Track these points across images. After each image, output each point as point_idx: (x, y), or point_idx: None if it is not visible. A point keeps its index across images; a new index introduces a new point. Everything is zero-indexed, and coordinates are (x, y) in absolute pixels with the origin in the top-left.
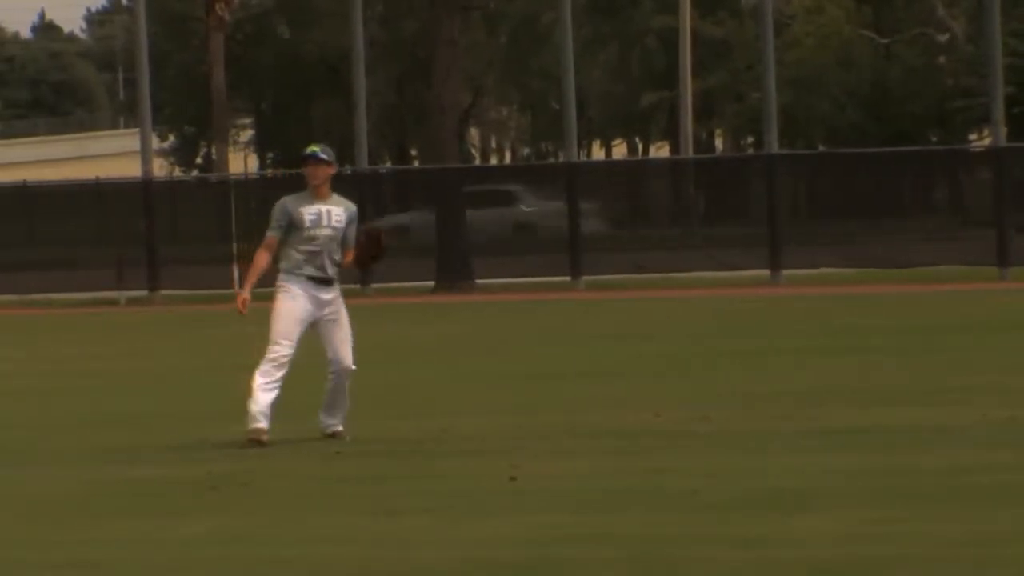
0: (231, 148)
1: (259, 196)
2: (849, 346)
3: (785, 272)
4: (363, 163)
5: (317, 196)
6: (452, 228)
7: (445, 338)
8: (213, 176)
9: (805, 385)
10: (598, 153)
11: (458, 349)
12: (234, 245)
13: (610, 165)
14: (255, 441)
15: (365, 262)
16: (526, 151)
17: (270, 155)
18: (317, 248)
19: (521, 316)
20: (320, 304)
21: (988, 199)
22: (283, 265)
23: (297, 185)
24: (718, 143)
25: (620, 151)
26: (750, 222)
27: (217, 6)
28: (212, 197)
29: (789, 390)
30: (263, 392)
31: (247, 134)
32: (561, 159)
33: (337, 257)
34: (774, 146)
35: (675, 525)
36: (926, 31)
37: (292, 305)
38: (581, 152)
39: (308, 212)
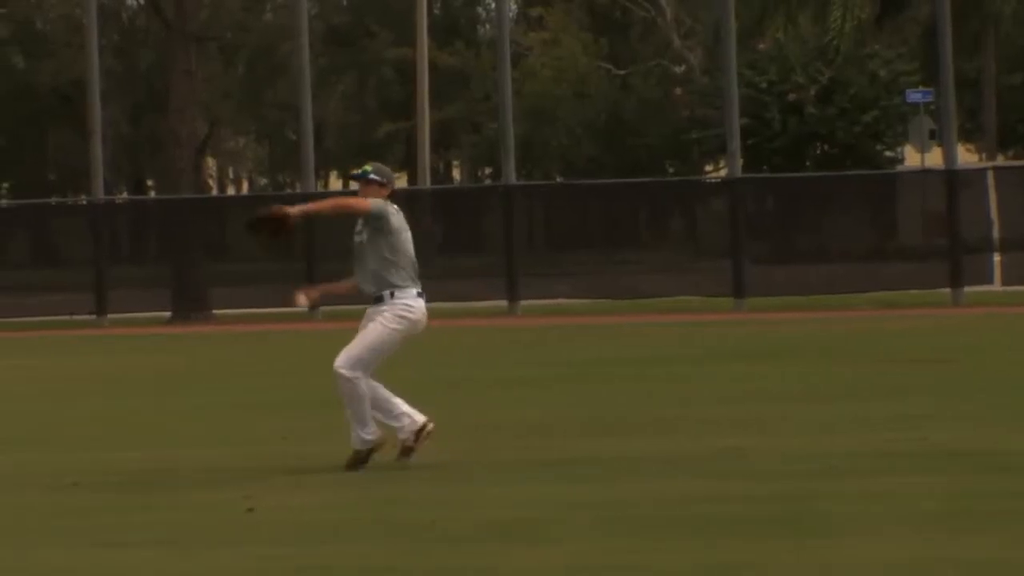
0: None
1: None
2: (582, 376)
3: (522, 303)
4: (99, 194)
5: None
6: (188, 258)
7: (180, 368)
8: None
9: (538, 416)
10: (336, 184)
11: (193, 380)
12: None
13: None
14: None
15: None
16: (263, 182)
17: (5, 185)
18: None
19: (257, 347)
20: (368, 315)
21: (723, 230)
22: None
23: (32, 216)
24: (456, 174)
25: None
26: (487, 253)
27: None
28: None
29: (522, 420)
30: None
31: None
32: (298, 190)
33: (372, 267)
34: (511, 177)
35: (409, 556)
36: (662, 63)
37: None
38: (318, 182)
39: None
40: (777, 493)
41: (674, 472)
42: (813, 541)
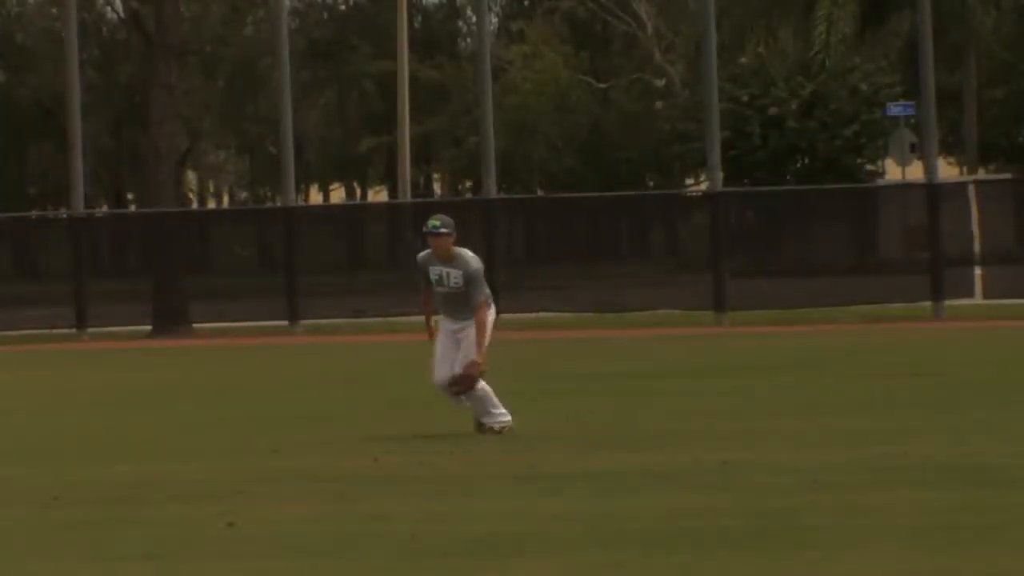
0: None
1: None
2: (565, 390)
3: (503, 316)
4: (79, 207)
5: (440, 259)
6: (168, 272)
7: (161, 383)
8: None
9: (521, 430)
10: (316, 197)
11: (174, 394)
12: None
13: (328, 209)
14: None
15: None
16: (244, 195)
17: None
18: (441, 301)
19: (238, 361)
20: (452, 332)
21: (704, 243)
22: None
23: (13, 229)
24: (436, 187)
25: (338, 195)
26: None
27: None
28: None
29: (507, 434)
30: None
31: None
32: (279, 203)
33: (465, 310)
34: (492, 191)
35: (393, 571)
36: (643, 76)
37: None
38: (299, 196)
39: (433, 272)
40: (764, 507)
41: (661, 486)
42: (801, 555)
